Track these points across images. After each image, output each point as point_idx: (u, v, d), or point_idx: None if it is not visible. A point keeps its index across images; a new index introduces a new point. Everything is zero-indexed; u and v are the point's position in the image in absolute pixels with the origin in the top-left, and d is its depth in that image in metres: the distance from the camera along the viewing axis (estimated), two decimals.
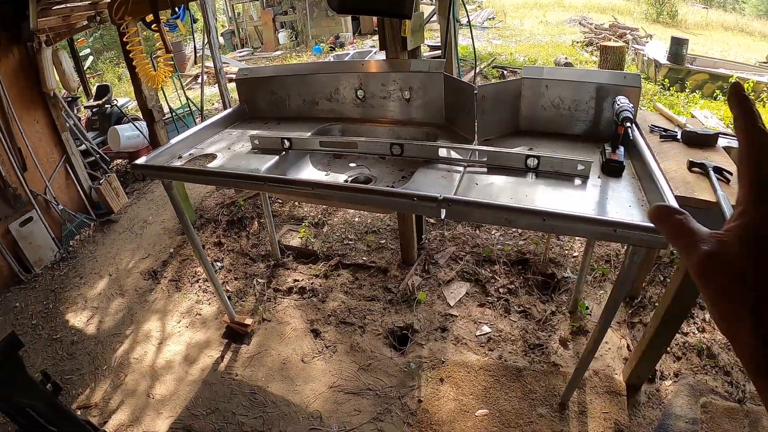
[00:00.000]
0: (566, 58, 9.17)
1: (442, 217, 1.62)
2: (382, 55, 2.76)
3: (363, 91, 2.51)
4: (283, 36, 15.02)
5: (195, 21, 6.34)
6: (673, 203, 1.49)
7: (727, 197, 1.67)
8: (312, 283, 3.39)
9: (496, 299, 3.14)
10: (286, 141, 2.26)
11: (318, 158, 2.43)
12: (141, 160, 2.20)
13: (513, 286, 3.21)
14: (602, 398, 2.51)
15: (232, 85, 5.54)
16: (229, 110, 2.81)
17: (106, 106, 6.64)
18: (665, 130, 2.23)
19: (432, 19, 5.89)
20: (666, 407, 2.47)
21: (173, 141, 2.42)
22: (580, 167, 1.82)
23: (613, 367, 2.67)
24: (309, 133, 2.43)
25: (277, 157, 2.23)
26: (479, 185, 1.81)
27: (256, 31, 15.68)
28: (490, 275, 3.33)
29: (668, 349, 2.74)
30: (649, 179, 1.69)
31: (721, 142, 2.21)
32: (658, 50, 8.96)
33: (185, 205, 4.12)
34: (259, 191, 3.97)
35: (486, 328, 2.94)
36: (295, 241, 3.81)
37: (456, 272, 3.37)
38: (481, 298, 3.18)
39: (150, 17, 3.14)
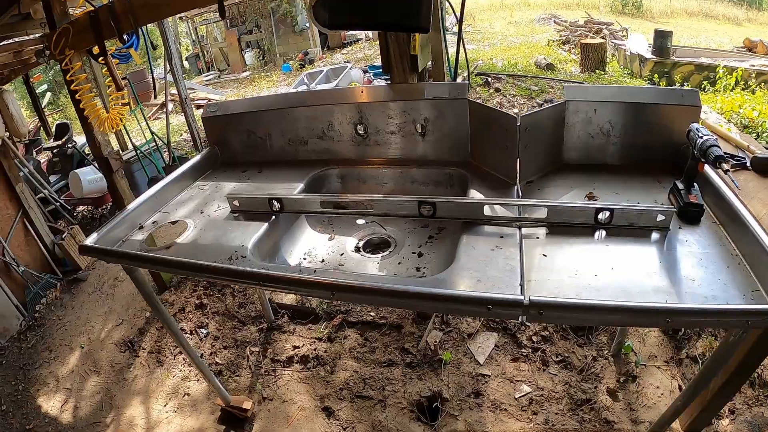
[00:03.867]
0: (545, 59, 8.86)
1: (524, 322, 1.19)
2: (359, 72, 2.31)
3: (364, 125, 2.04)
4: (249, 56, 14.75)
5: (155, 47, 5.86)
6: None
7: None
8: (315, 350, 2.89)
9: (530, 350, 2.72)
10: (275, 203, 1.76)
11: (317, 216, 1.97)
12: (91, 240, 1.69)
13: (546, 332, 2.79)
14: None
15: (200, 112, 5.07)
16: (197, 157, 2.30)
17: (67, 146, 6.15)
18: (731, 156, 1.79)
19: None
20: None
21: (131, 206, 1.91)
22: (660, 218, 1.41)
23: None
24: (301, 184, 1.97)
25: (266, 224, 1.74)
26: (548, 257, 1.36)
27: (222, 53, 15.33)
28: (519, 322, 2.89)
29: None
30: (737, 226, 1.34)
31: None
32: (640, 44, 8.75)
33: None
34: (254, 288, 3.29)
35: (525, 388, 2.52)
36: (288, 297, 3.29)
37: (480, 321, 2.92)
38: (514, 350, 2.74)
39: (96, 49, 2.69)
